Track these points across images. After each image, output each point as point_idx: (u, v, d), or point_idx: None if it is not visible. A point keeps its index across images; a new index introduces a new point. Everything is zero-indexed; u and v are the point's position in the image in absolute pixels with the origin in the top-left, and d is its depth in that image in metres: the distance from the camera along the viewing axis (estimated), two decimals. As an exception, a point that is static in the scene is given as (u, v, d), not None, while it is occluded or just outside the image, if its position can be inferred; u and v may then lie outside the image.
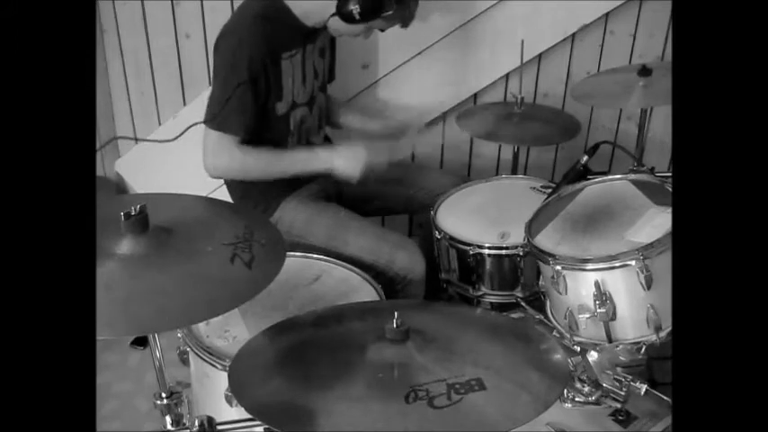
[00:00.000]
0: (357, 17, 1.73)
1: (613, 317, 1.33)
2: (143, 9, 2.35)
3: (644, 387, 1.32)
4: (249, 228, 1.20)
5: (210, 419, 1.10)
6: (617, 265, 1.30)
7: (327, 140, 2.08)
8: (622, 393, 1.33)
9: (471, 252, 1.75)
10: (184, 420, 1.23)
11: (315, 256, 1.69)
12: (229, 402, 1.27)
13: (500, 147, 2.59)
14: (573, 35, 2.43)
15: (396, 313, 1.05)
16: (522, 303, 1.71)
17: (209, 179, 1.86)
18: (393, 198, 2.10)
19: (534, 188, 1.96)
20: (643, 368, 1.46)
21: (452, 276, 1.86)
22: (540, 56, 2.43)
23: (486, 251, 1.75)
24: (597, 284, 1.32)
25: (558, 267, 1.35)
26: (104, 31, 2.41)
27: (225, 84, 1.73)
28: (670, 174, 1.87)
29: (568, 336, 1.40)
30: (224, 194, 2.01)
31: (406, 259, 1.79)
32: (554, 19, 2.36)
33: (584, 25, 2.39)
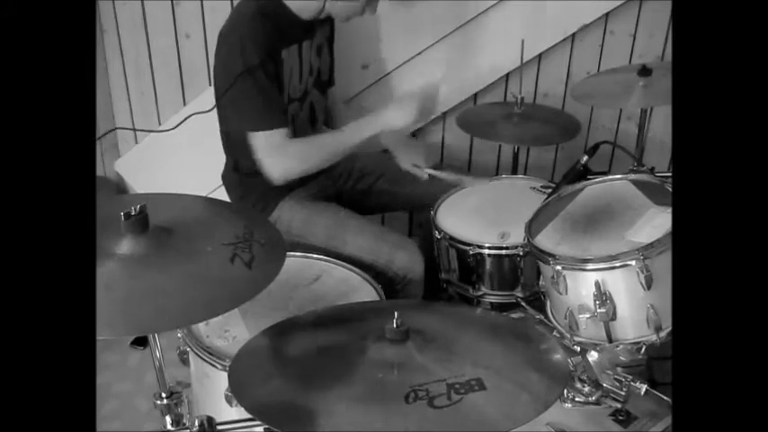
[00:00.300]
0: None
1: (613, 317, 1.33)
2: (143, 9, 2.35)
3: (644, 387, 1.32)
4: (249, 228, 1.20)
5: (210, 419, 1.10)
6: (617, 265, 1.30)
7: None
8: (622, 393, 1.33)
9: (471, 252, 1.75)
10: (184, 420, 1.23)
11: (315, 256, 1.69)
12: (229, 402, 1.27)
13: (500, 147, 2.59)
14: (573, 35, 2.43)
15: (396, 313, 1.05)
16: (522, 303, 1.71)
17: (210, 179, 1.86)
18: (393, 196, 2.10)
19: (534, 188, 1.96)
20: (643, 368, 1.46)
21: (452, 276, 1.86)
22: (540, 56, 2.43)
23: (486, 251, 1.75)
24: (597, 284, 1.32)
25: (558, 267, 1.35)
26: (104, 31, 2.41)
27: (244, 84, 1.70)
28: (670, 174, 1.87)
29: (568, 336, 1.40)
30: (224, 194, 2.01)
31: (406, 259, 1.79)
32: (554, 19, 2.36)
33: (584, 25, 2.39)
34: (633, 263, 1.28)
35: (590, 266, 1.33)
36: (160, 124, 2.51)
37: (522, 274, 1.76)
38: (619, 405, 1.33)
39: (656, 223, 1.36)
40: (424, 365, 1.01)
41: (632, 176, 1.56)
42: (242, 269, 1.10)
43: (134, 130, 2.54)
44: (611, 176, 1.57)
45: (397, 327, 1.05)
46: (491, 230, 1.79)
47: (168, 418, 1.21)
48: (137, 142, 2.58)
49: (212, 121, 1.88)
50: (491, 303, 1.82)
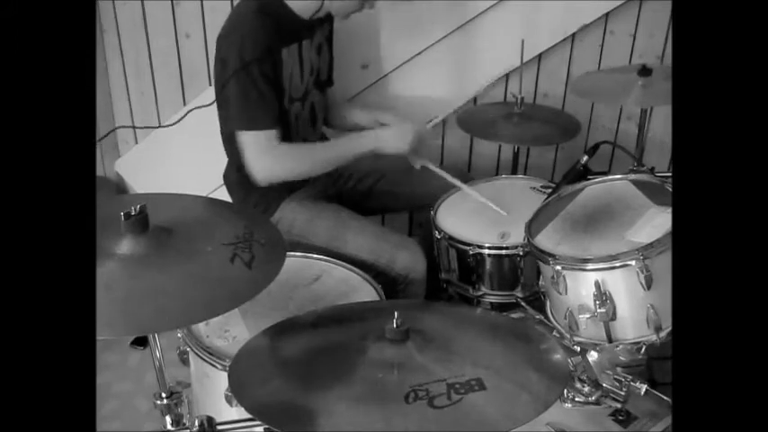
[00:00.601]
0: None
1: (613, 317, 1.33)
2: (143, 9, 2.35)
3: (644, 387, 1.32)
4: (249, 228, 1.20)
5: (210, 419, 1.10)
6: (617, 265, 1.30)
7: (324, 139, 2.08)
8: (622, 393, 1.33)
9: (471, 252, 1.75)
10: (184, 420, 1.23)
11: (315, 256, 1.69)
12: (229, 402, 1.27)
13: (500, 147, 2.58)
14: (573, 35, 2.43)
15: (396, 313, 1.05)
16: (522, 303, 1.71)
17: (210, 179, 1.86)
18: (393, 197, 2.10)
19: (534, 188, 1.96)
20: (643, 368, 1.46)
21: (452, 276, 1.86)
22: (540, 56, 2.43)
23: (486, 251, 1.75)
24: (597, 284, 1.32)
25: (558, 267, 1.35)
26: (104, 31, 2.41)
27: (239, 81, 1.71)
28: (670, 174, 1.87)
29: (568, 336, 1.40)
30: (224, 194, 2.01)
31: (408, 259, 1.79)
32: (554, 19, 2.36)
33: (584, 25, 2.39)
34: (633, 263, 1.28)
35: (590, 266, 1.33)
36: (160, 124, 2.50)
37: (522, 274, 1.76)
38: (619, 405, 1.33)
39: (656, 223, 1.36)
40: (424, 365, 1.01)
41: (632, 176, 1.56)
42: (242, 269, 1.10)
43: (134, 127, 2.53)
44: (611, 176, 1.57)
45: (397, 327, 1.05)
46: (491, 230, 1.79)
47: (168, 418, 1.22)
48: (137, 142, 2.58)
49: (212, 121, 1.89)
50: (491, 303, 1.82)
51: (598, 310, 1.32)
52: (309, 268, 1.65)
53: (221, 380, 1.34)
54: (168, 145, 2.47)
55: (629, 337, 1.35)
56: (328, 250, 1.77)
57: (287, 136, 1.85)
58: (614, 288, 1.32)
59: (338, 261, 1.66)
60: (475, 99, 2.49)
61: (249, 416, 0.98)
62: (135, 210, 1.09)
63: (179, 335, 1.45)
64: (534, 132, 2.16)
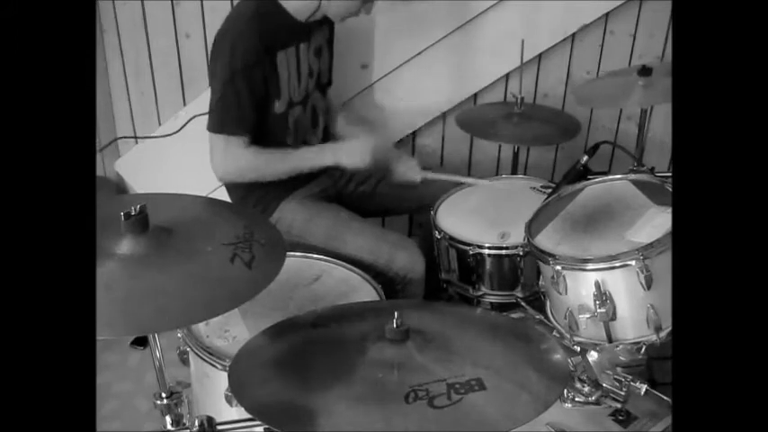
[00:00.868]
0: None
1: (613, 317, 1.33)
2: (143, 9, 2.35)
3: (644, 387, 1.32)
4: (249, 228, 1.20)
5: (210, 419, 1.10)
6: (617, 265, 1.30)
7: (325, 140, 2.08)
8: (622, 393, 1.33)
9: (471, 252, 1.75)
10: (184, 420, 1.23)
11: (315, 256, 1.69)
12: (229, 402, 1.27)
13: (500, 147, 2.59)
14: (573, 35, 2.43)
15: (396, 313, 1.05)
16: (522, 303, 1.71)
17: (210, 179, 1.86)
18: (393, 197, 2.10)
19: (534, 188, 1.96)
20: (643, 368, 1.46)
21: (452, 276, 1.86)
22: (540, 56, 2.43)
23: (486, 251, 1.75)
24: (597, 284, 1.32)
25: (558, 267, 1.35)
26: (104, 31, 2.41)
27: (222, 85, 1.74)
28: (670, 174, 1.87)
29: (568, 336, 1.40)
30: (224, 194, 2.01)
31: (406, 259, 1.79)
32: (554, 19, 2.36)
33: (584, 25, 2.39)
34: (633, 263, 1.28)
35: (590, 266, 1.33)
36: (160, 124, 2.50)
37: (522, 274, 1.76)
38: (619, 405, 1.33)
39: (656, 223, 1.36)
40: (424, 365, 1.01)
41: (632, 176, 1.56)
42: (242, 269, 1.10)
43: (135, 138, 2.54)
44: (611, 176, 1.57)
45: (397, 327, 1.05)
46: (491, 230, 1.79)
47: (168, 418, 1.21)
48: (137, 143, 2.58)
49: (212, 121, 1.89)
50: (491, 303, 1.82)
51: (598, 310, 1.32)
52: (309, 268, 1.65)
53: (221, 380, 1.34)
54: (168, 145, 2.47)
55: (629, 337, 1.35)
56: (327, 250, 1.77)
57: (279, 140, 1.87)
58: (614, 288, 1.32)
59: (338, 261, 1.66)
60: (475, 99, 2.50)
61: (249, 416, 0.98)
62: (135, 210, 1.09)
63: (179, 335, 1.44)
64: (534, 132, 2.16)
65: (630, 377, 1.33)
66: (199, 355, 1.39)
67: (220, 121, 1.77)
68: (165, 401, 1.20)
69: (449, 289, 1.90)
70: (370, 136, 1.94)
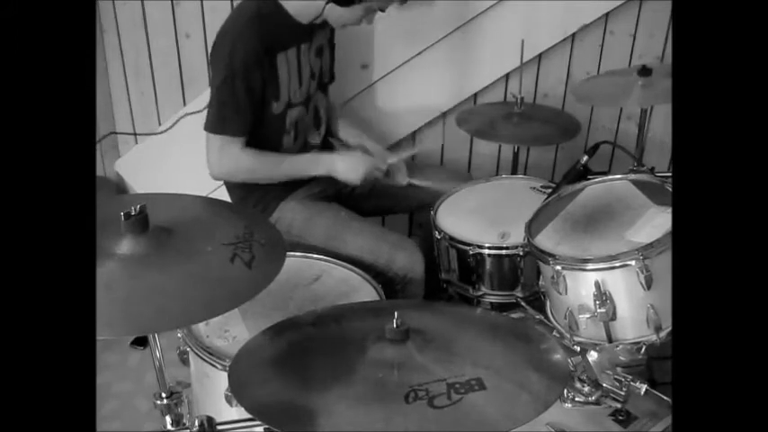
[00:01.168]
0: None
1: (613, 317, 1.33)
2: (143, 9, 2.35)
3: (644, 387, 1.32)
4: (249, 228, 1.20)
5: (210, 419, 1.10)
6: (617, 265, 1.30)
7: (326, 141, 2.08)
8: (622, 393, 1.32)
9: (471, 252, 1.75)
10: (184, 420, 1.23)
11: (315, 256, 1.69)
12: (229, 402, 1.27)
13: (500, 147, 2.58)
14: (573, 35, 2.43)
15: (396, 313, 1.05)
16: (522, 303, 1.71)
17: (209, 179, 1.86)
18: (393, 197, 2.10)
19: (534, 188, 1.96)
20: (643, 368, 1.46)
21: (452, 276, 1.86)
22: (540, 56, 2.43)
23: (486, 251, 1.75)
24: (597, 284, 1.32)
25: (558, 267, 1.35)
26: (104, 31, 2.41)
27: (221, 85, 1.75)
28: (670, 174, 1.87)
29: (568, 336, 1.40)
30: (224, 194, 2.01)
31: (406, 259, 1.79)
32: (554, 19, 2.36)
33: (584, 25, 2.39)
34: (633, 263, 1.28)
35: (590, 266, 1.33)
36: (160, 124, 2.50)
37: (522, 274, 1.76)
38: (619, 405, 1.33)
39: (656, 223, 1.36)
40: (424, 365, 1.01)
41: (632, 176, 1.56)
42: (242, 269, 1.10)
43: (132, 134, 2.54)
44: (611, 176, 1.57)
45: (397, 327, 1.05)
46: (491, 230, 1.79)
47: (168, 418, 1.21)
48: (137, 142, 2.58)
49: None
50: (491, 303, 1.82)
51: (598, 310, 1.32)
52: (309, 268, 1.65)
53: (221, 380, 1.34)
54: (168, 145, 2.47)
55: (629, 337, 1.35)
56: (327, 250, 1.77)
57: (275, 140, 1.87)
58: (614, 288, 1.32)
59: (338, 261, 1.66)
60: (475, 99, 2.50)
61: (249, 416, 0.98)
62: (135, 210, 1.09)
63: (179, 335, 1.45)
64: (534, 132, 2.16)
65: (630, 377, 1.33)
66: (199, 355, 1.39)
67: (217, 121, 1.78)
68: (165, 401, 1.20)
69: (449, 289, 1.90)
70: (366, 156, 1.95)
